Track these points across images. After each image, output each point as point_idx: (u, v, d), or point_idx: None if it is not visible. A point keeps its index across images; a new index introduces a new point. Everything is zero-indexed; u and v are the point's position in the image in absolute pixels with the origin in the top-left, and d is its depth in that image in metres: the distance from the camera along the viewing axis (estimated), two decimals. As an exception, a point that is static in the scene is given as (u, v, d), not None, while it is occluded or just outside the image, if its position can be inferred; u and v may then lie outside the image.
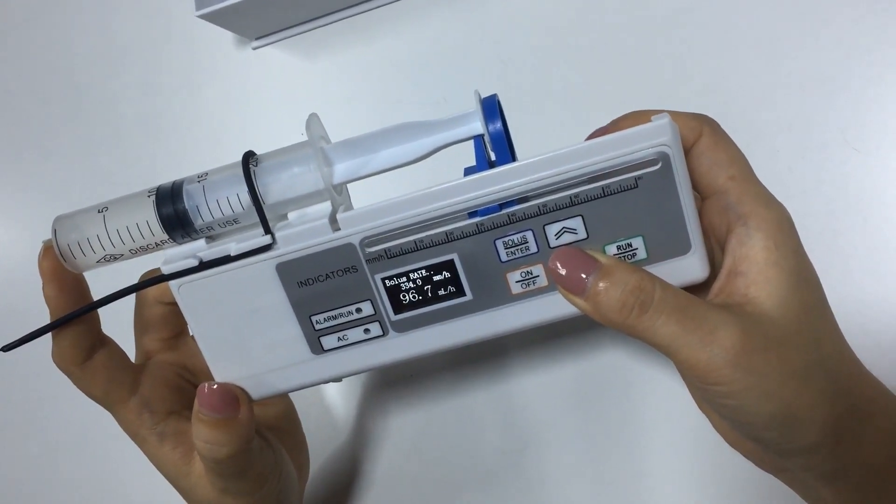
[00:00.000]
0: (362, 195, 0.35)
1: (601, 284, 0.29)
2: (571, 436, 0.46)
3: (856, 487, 0.30)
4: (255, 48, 0.58)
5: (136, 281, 0.34)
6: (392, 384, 0.50)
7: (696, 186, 0.32)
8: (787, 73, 0.46)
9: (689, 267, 0.30)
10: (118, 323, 0.37)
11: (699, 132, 0.31)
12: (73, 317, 0.32)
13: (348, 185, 0.34)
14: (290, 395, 0.44)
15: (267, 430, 0.39)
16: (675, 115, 0.30)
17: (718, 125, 0.31)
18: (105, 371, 0.34)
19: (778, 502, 0.41)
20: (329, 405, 0.50)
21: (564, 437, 0.46)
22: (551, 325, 0.32)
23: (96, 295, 0.33)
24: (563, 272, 0.30)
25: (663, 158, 0.29)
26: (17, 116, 0.63)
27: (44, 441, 0.56)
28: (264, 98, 0.57)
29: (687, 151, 0.30)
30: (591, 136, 0.32)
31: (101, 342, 0.34)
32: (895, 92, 0.45)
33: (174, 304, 0.33)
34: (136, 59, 0.61)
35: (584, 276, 0.29)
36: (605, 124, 0.33)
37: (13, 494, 0.56)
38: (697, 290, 0.32)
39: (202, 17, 0.52)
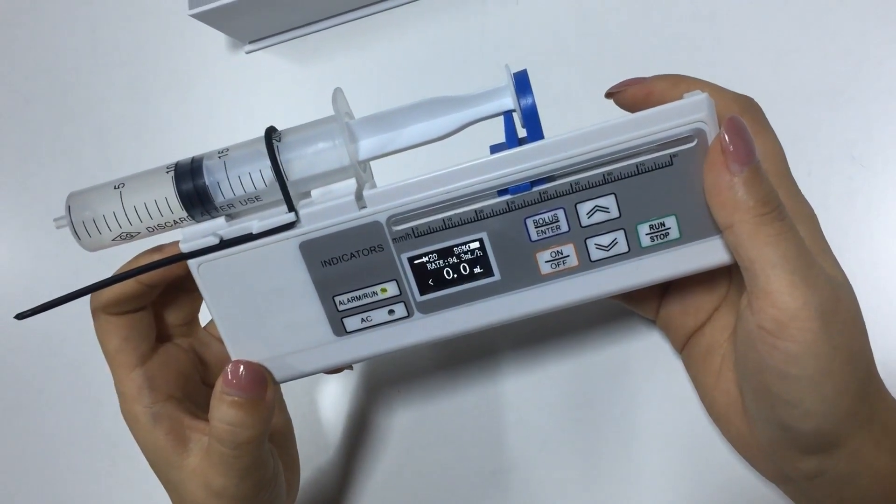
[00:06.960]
0: (385, 173, 0.34)
1: (758, 171, 0.27)
2: (562, 450, 0.44)
3: (860, 500, 0.30)
4: (248, 52, 0.57)
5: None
6: (382, 397, 0.48)
7: None
8: (794, 86, 0.46)
9: (724, 247, 0.30)
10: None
11: None
12: (86, 292, 0.31)
13: (371, 163, 0.33)
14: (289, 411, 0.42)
15: None
16: (718, 93, 0.30)
17: (761, 112, 0.31)
18: (125, 330, 0.33)
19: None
20: (319, 417, 0.49)
21: (556, 451, 0.44)
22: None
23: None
24: (745, 137, 0.27)
25: (699, 135, 0.28)
26: (0, 116, 0.61)
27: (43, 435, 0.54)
28: (256, 103, 0.56)
29: None
30: (625, 84, 0.32)
31: (140, 310, 0.34)
32: (904, 107, 0.44)
33: (187, 291, 0.31)
34: (125, 58, 0.59)
35: (749, 152, 0.27)
36: (642, 76, 0.32)
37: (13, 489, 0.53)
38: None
39: (195, 16, 0.51)
